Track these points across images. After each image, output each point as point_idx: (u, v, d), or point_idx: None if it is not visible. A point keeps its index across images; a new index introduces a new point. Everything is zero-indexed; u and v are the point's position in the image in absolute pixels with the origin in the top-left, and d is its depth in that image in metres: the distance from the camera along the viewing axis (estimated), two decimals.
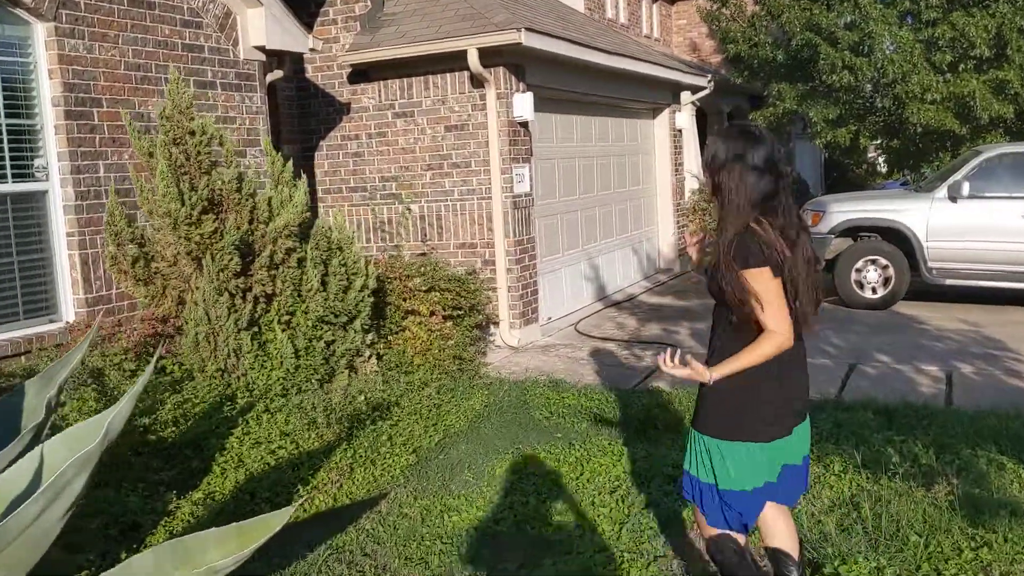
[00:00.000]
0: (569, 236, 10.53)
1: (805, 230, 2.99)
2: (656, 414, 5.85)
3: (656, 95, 12.78)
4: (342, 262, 5.76)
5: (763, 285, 2.82)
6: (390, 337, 6.65)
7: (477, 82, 8.49)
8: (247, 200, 5.14)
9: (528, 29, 8.09)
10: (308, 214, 5.70)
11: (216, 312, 4.90)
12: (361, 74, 8.96)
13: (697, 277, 12.93)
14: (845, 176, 22.13)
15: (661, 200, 13.55)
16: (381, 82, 8.91)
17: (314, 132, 9.23)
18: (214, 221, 4.94)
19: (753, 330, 2.90)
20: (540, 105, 9.53)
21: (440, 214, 8.84)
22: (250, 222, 5.19)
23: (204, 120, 5.24)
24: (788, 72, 15.23)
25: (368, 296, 5.96)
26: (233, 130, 7.12)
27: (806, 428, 3.15)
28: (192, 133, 4.95)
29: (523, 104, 8.57)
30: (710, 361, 3.03)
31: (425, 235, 8.93)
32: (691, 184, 16.03)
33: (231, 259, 4.90)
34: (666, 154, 13.42)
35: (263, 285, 5.16)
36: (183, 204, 4.79)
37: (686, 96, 14.24)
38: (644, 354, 8.30)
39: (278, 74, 7.68)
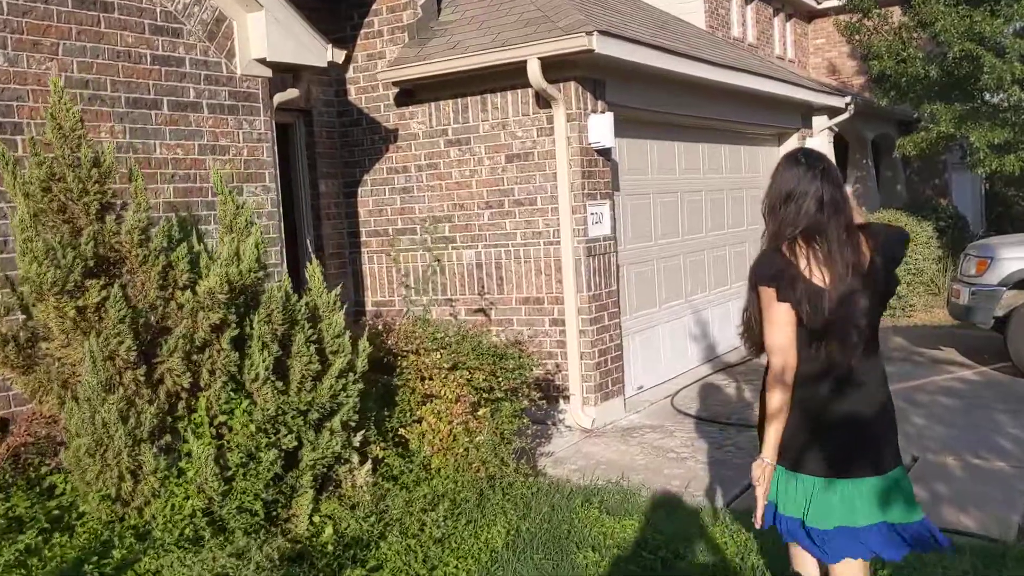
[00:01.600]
0: (670, 286, 8.73)
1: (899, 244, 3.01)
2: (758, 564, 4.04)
3: (781, 118, 10.86)
4: (312, 338, 4.22)
5: (766, 303, 2.88)
6: (402, 431, 5.06)
7: (543, 102, 6.88)
8: (156, 257, 3.66)
9: (603, 33, 6.44)
10: (260, 274, 4.19)
11: (104, 416, 3.43)
12: (408, 95, 7.50)
13: None
14: (1010, 211, 19.30)
15: None
16: (432, 104, 7.41)
17: (357, 164, 7.82)
18: (102, 288, 3.48)
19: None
20: (629, 129, 7.85)
21: (500, 262, 7.24)
22: (162, 287, 3.71)
23: (100, 148, 3.81)
24: (943, 90, 12.97)
25: (354, 382, 4.40)
26: (224, 162, 5.73)
27: (885, 487, 2.92)
28: (74, 166, 3.52)
29: (601, 127, 6.90)
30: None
31: (483, 287, 7.33)
32: None
33: (121, 342, 3.42)
34: None
35: (176, 377, 3.66)
36: (55, 264, 3.36)
37: (820, 121, 12.22)
38: (754, 443, 6.42)
39: (292, 94, 6.28)
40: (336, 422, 4.33)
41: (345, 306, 4.81)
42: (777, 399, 2.85)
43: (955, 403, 7.36)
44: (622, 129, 7.83)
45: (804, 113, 11.57)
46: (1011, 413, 6.97)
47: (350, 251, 7.91)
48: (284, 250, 6.18)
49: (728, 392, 8.12)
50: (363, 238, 7.85)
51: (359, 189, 7.83)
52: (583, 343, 6.96)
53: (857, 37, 14.18)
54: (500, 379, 5.19)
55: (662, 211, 8.62)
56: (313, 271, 4.61)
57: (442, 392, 5.10)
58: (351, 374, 4.43)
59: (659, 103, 8.12)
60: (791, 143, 11.46)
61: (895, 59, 13.28)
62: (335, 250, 7.81)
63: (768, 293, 2.86)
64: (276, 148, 6.18)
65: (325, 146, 7.76)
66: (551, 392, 7.11)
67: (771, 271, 2.86)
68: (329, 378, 4.29)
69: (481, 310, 7.34)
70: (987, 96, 13.27)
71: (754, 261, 2.99)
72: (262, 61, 5.88)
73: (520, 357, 5.38)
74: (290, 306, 4.25)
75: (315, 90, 7.63)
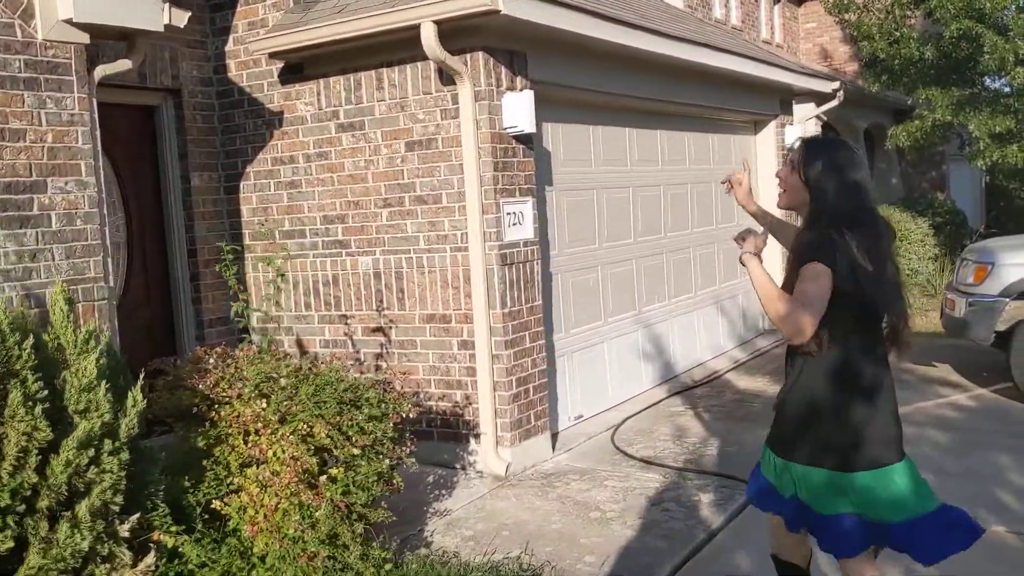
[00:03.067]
0: (618, 296, 7.50)
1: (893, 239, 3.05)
2: None
3: (757, 103, 9.61)
4: (37, 395, 2.99)
5: (819, 280, 2.79)
6: (216, 503, 3.83)
7: (447, 78, 5.63)
8: None
9: None
10: None
11: None
12: (295, 70, 6.25)
13: None
14: (1012, 205, 17.98)
15: None
16: (321, 81, 6.16)
17: (239, 154, 6.57)
18: None
19: (833, 357, 2.90)
20: (566, 113, 6.64)
21: (401, 271, 6.00)
22: None
23: None
24: (940, 74, 11.76)
25: (114, 452, 3.17)
26: (18, 150, 4.48)
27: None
28: None
29: (518, 108, 5.66)
30: (789, 395, 3.03)
31: (382, 302, 6.09)
32: None
33: None
34: (771, 178, 10.16)
35: None
36: None
37: (806, 109, 11.00)
38: (700, 496, 5.20)
39: (122, 66, 5.01)
40: (83, 509, 3.10)
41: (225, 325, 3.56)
42: (771, 301, 2.87)
43: (947, 439, 6.14)
44: (557, 113, 6.59)
45: (784, 98, 10.33)
46: (1015, 453, 5.76)
47: (234, 256, 6.65)
48: (110, 259, 4.93)
49: (682, 421, 6.88)
50: (247, 241, 6.61)
51: (241, 183, 6.58)
52: (497, 370, 5.73)
53: (846, 16, 12.94)
54: (352, 432, 3.95)
55: (610, 209, 7.38)
56: (55, 299, 3.36)
57: (270, 453, 3.87)
58: (109, 441, 3.20)
59: (605, 83, 6.88)
60: (769, 132, 10.21)
61: (887, 40, 12.06)
62: (214, 256, 6.56)
63: (826, 273, 2.81)
64: (98, 133, 4.93)
65: (199, 132, 6.51)
66: (461, 429, 5.88)
67: (831, 252, 2.82)
68: (67, 450, 3.05)
69: (380, 329, 6.10)
70: (987, 80, 12.05)
71: (811, 242, 2.90)
72: (73, 23, 4.63)
73: (381, 402, 4.13)
74: (5, 348, 3.01)
75: (185, 65, 6.38)
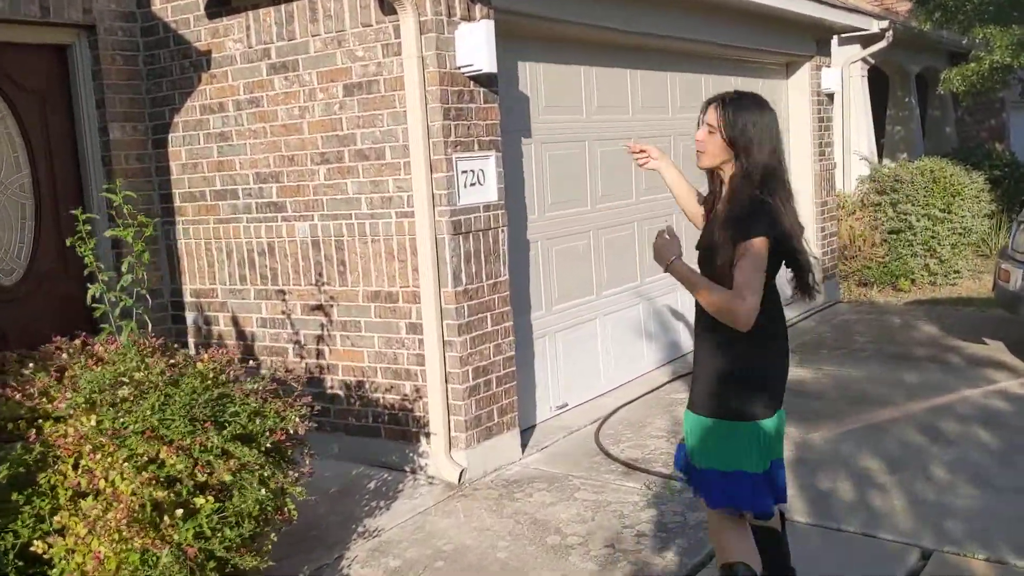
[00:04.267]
0: (615, 266, 6.52)
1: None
2: None
3: (788, 42, 8.45)
4: None
5: (759, 254, 2.73)
6: (36, 545, 2.99)
7: (389, 6, 4.65)
8: None
9: None
10: None
11: None
12: (223, 2, 5.29)
13: (844, 315, 8.53)
14: None
15: (799, 198, 9.15)
16: (250, 13, 5.22)
17: (166, 101, 5.66)
18: None
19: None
20: (548, 51, 5.68)
21: (342, 240, 5.08)
22: None
23: None
24: (999, 11, 10.41)
25: None
26: None
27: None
28: None
29: (473, 43, 4.67)
30: (699, 380, 2.99)
31: (321, 275, 5.19)
32: (857, 170, 11.52)
33: None
34: (805, 129, 9.06)
35: None
36: None
37: (851, 51, 9.81)
38: (686, 516, 4.27)
39: None
40: None
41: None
42: (716, 305, 2.78)
43: (995, 440, 5.12)
44: (536, 50, 5.60)
45: (821, 37, 9.13)
46: None
47: (163, 220, 5.79)
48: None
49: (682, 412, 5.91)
50: (177, 203, 5.73)
51: (170, 135, 5.69)
52: (449, 359, 4.81)
53: None
54: (209, 458, 3.07)
55: (606, 164, 6.37)
56: None
57: (101, 483, 3.00)
58: None
59: (600, 15, 5.84)
60: (802, 75, 9.05)
61: None
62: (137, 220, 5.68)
63: (761, 243, 2.74)
64: None
65: (120, 75, 5.61)
66: (410, 427, 4.99)
67: (768, 220, 2.77)
68: None
69: (320, 308, 5.21)
70: None
71: (739, 208, 2.81)
72: None
73: (256, 415, 3.24)
74: None
75: None
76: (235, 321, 5.56)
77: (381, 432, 5.08)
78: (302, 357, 5.33)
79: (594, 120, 6.27)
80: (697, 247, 3.00)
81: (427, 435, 4.90)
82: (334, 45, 4.92)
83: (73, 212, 3.92)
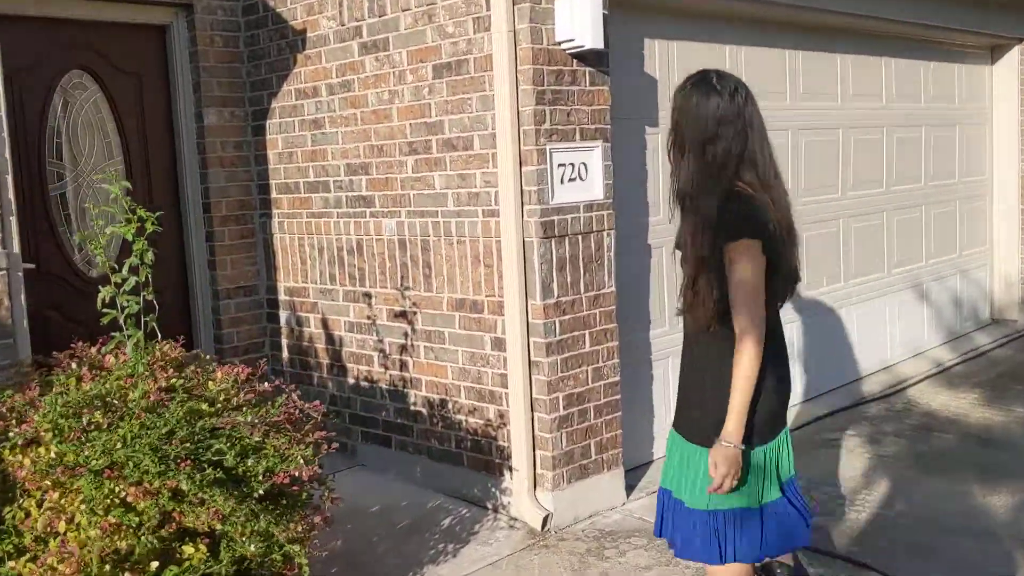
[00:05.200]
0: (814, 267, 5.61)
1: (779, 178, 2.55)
2: None
3: (996, 20, 7.17)
4: None
5: (750, 260, 2.36)
6: None
7: None
8: None
9: None
10: None
11: None
12: None
13: None
14: None
15: (998, 203, 7.86)
16: None
17: (264, 85, 5.28)
18: None
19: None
20: (684, 27, 4.91)
21: (428, 240, 4.50)
22: None
23: None
24: None
25: None
26: None
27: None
28: None
29: (578, 13, 3.96)
30: (689, 401, 2.59)
31: (404, 278, 4.64)
32: None
33: None
34: (1011, 122, 7.71)
35: None
36: None
37: None
38: None
39: None
40: None
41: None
42: (754, 370, 2.37)
43: None
44: (668, 25, 4.90)
45: None
46: None
47: (260, 213, 5.43)
48: (12, 218, 3.81)
49: (830, 456, 4.98)
50: (273, 194, 5.35)
51: (267, 122, 5.31)
52: (536, 383, 4.14)
53: None
54: (186, 505, 2.56)
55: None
56: None
57: (65, 525, 2.55)
58: None
59: None
60: (1010, 59, 7.70)
61: None
62: (234, 211, 5.36)
63: (751, 247, 2.36)
64: None
65: (218, 57, 5.27)
66: (493, 457, 4.36)
67: (756, 220, 2.38)
68: None
69: (404, 314, 4.66)
70: None
71: (720, 210, 2.40)
72: None
73: (249, 451, 2.70)
74: None
75: None
76: (324, 323, 5.12)
77: (464, 460, 4.48)
78: (386, 367, 4.80)
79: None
80: (675, 247, 2.66)
81: (510, 469, 4.25)
82: (424, 20, 4.34)
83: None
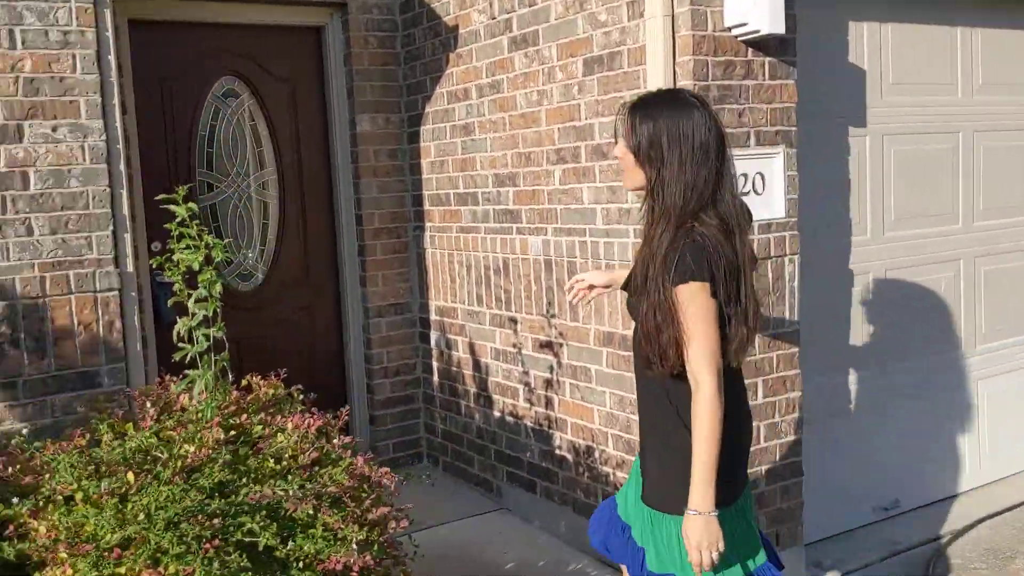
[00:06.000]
0: (997, 309, 4.60)
1: (749, 220, 2.36)
2: None
3: None
4: None
5: (700, 305, 2.12)
6: None
7: None
8: None
9: None
10: None
11: None
12: None
13: None
14: None
15: None
16: None
17: (420, 88, 4.88)
18: None
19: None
20: (894, 7, 3.99)
21: (575, 261, 3.90)
22: None
23: None
24: None
25: None
26: None
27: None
28: None
29: None
30: (645, 454, 2.38)
31: (551, 304, 4.06)
32: None
33: None
34: None
35: None
36: None
37: None
38: None
39: None
40: None
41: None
42: (717, 426, 2.12)
43: None
44: (873, 6, 3.96)
45: None
46: None
47: (414, 226, 5.05)
48: (127, 234, 3.60)
49: None
50: (426, 206, 4.94)
51: (421, 128, 4.90)
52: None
53: None
54: None
55: (989, 165, 4.48)
56: None
57: None
58: None
59: None
60: None
61: None
62: (387, 224, 5.01)
63: (704, 291, 2.12)
64: (115, 61, 3.56)
65: (372, 60, 4.93)
66: None
67: (701, 260, 2.12)
68: None
69: (549, 345, 4.09)
70: None
71: (668, 256, 2.14)
72: None
73: (286, 534, 2.23)
74: None
75: None
76: (471, 348, 4.64)
77: None
78: (531, 403, 4.25)
79: (976, 103, 4.40)
80: (624, 288, 2.45)
81: None
82: (575, 8, 3.74)
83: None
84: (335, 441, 2.62)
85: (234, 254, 4.85)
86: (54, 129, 3.42)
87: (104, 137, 3.50)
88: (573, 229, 3.88)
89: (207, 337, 2.72)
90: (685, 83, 3.29)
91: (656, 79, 3.32)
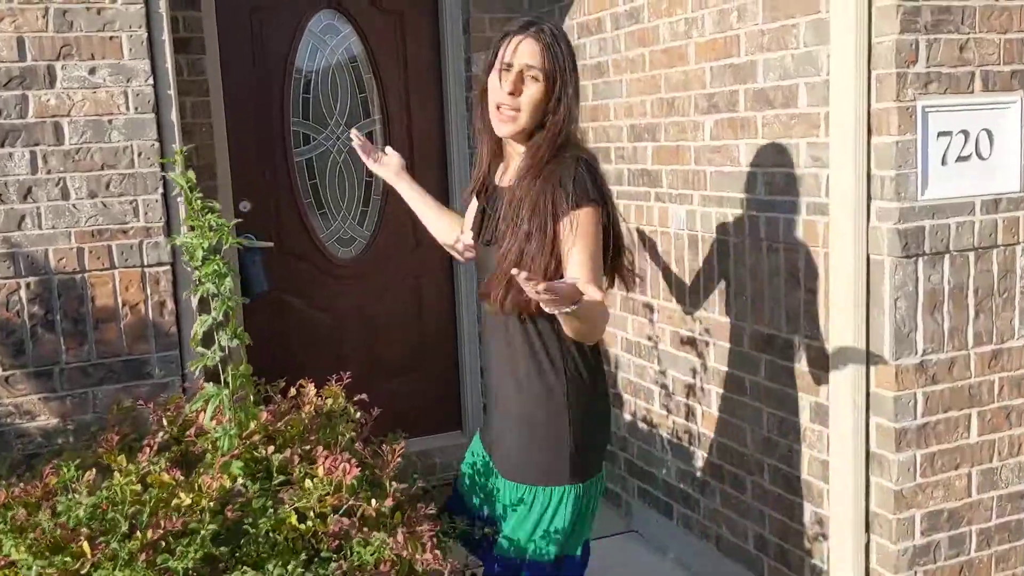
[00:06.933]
0: None
1: None
2: None
3: None
4: None
5: (598, 228, 1.99)
6: None
7: None
8: None
9: None
10: None
11: None
12: None
13: None
14: None
15: None
16: None
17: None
18: None
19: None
20: None
21: (727, 240, 3.04)
22: None
23: None
24: None
25: None
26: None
27: None
28: None
29: None
30: (498, 406, 2.19)
31: (692, 292, 3.22)
32: None
33: None
34: None
35: None
36: None
37: None
38: None
39: None
40: None
41: None
42: (601, 327, 1.98)
43: None
44: None
45: None
46: None
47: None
48: (182, 204, 3.03)
49: None
50: None
51: None
52: (876, 491, 2.55)
53: None
54: None
55: None
56: None
57: None
58: None
59: None
60: None
61: None
62: None
63: (592, 215, 1.98)
64: None
65: None
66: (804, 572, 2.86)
67: (596, 183, 2.02)
68: None
69: (691, 342, 3.26)
70: None
71: (566, 178, 1.97)
72: None
73: None
74: None
75: None
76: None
77: (763, 569, 3.03)
78: (668, 410, 3.46)
79: None
80: (482, 241, 2.16)
81: None
82: None
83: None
84: (388, 492, 1.93)
85: (332, 217, 4.25)
86: (91, 71, 2.84)
87: (151, 80, 2.90)
88: (725, 198, 3.02)
89: (221, 349, 2.06)
90: (884, 3, 2.36)
91: None
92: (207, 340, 2.14)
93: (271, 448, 2.10)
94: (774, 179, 2.79)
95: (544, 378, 2.06)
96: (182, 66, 3.69)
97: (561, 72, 2.03)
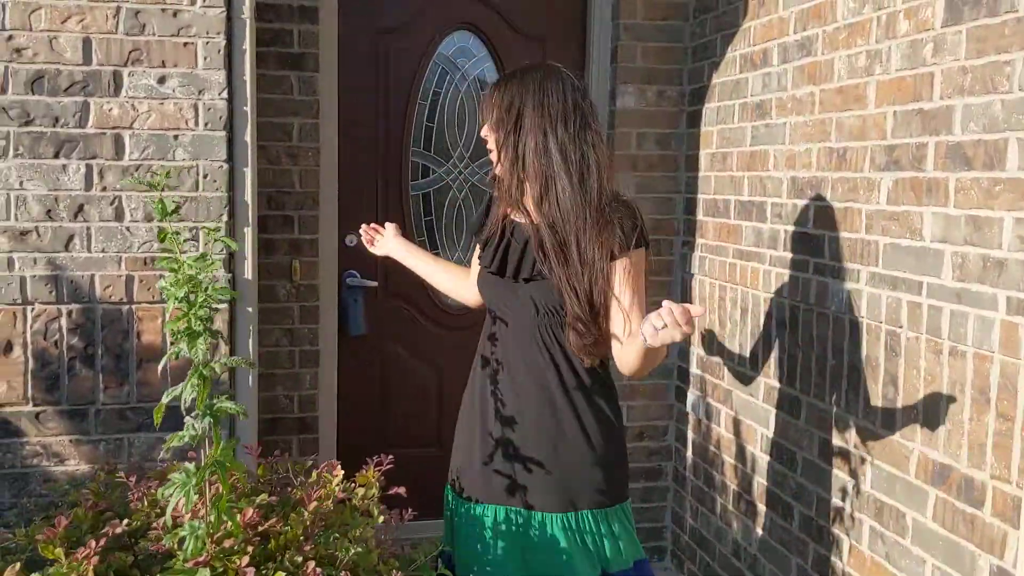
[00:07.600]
0: None
1: None
2: None
3: None
4: None
5: (643, 271, 2.10)
6: None
7: None
8: None
9: None
10: None
11: None
12: None
13: None
14: None
15: None
16: None
17: (707, 52, 3.50)
18: None
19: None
20: None
21: (898, 333, 2.35)
22: None
23: None
24: None
25: None
26: (52, 17, 2.51)
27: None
28: None
29: None
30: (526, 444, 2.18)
31: (848, 393, 2.54)
32: None
33: None
34: None
35: None
36: None
37: None
38: None
39: None
40: None
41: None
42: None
43: None
44: None
45: None
46: None
47: (683, 241, 3.71)
48: (248, 223, 2.67)
49: None
50: (699, 215, 3.56)
51: (704, 107, 3.52)
52: None
53: None
54: None
55: None
56: None
57: None
58: None
59: None
60: None
61: None
62: (648, 234, 3.69)
63: (644, 256, 2.12)
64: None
65: (646, 10, 3.62)
66: None
67: (641, 225, 2.10)
68: None
69: (844, 456, 2.58)
70: None
71: (612, 217, 2.03)
72: None
73: None
74: None
75: None
76: (736, 427, 3.23)
77: None
78: (808, 535, 2.77)
79: None
80: (494, 271, 2.23)
81: None
82: None
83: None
84: None
85: (446, 258, 3.83)
86: (160, 80, 2.53)
87: (225, 94, 2.56)
88: (900, 280, 2.34)
89: (203, 379, 1.62)
90: None
91: None
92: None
93: (245, 559, 1.64)
94: (966, 262, 2.10)
95: (590, 399, 2.13)
96: (292, 84, 3.39)
97: (501, 122, 2.06)
